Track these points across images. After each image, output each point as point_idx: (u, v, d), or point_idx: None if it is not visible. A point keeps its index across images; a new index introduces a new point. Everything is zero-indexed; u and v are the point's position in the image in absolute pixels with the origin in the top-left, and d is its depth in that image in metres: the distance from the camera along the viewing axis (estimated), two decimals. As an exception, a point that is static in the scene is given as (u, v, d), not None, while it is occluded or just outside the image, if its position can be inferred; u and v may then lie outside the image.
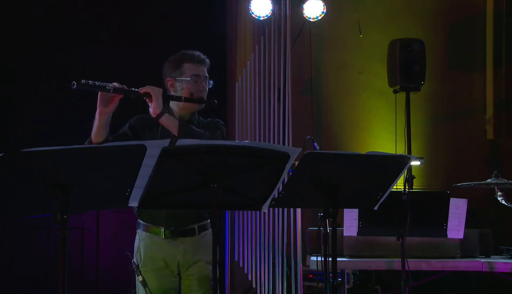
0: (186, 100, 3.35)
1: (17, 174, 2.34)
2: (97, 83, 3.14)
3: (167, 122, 3.22)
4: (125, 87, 3.21)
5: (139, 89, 3.24)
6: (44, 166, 2.36)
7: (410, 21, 6.66)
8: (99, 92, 3.16)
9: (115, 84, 3.17)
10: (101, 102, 3.18)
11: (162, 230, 3.29)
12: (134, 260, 3.34)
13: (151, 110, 3.23)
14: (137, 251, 3.36)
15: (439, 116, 6.73)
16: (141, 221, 3.36)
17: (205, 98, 3.40)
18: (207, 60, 3.44)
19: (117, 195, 2.62)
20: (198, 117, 3.47)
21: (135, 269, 3.29)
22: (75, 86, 3.09)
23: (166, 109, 3.33)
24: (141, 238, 3.36)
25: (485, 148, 6.66)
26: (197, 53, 3.43)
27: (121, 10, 6.30)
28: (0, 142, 5.69)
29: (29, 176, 2.37)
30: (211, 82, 3.43)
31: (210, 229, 3.40)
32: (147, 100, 3.25)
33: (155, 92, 3.23)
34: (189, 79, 3.35)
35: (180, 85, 3.37)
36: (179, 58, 3.42)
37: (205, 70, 3.41)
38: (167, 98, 3.34)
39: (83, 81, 3.10)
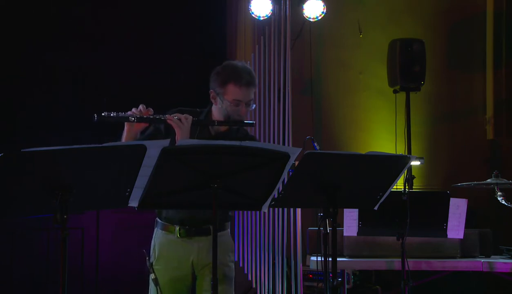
0: (220, 124, 3.27)
1: (17, 174, 2.34)
2: (120, 114, 3.10)
3: None
4: (151, 111, 3.15)
5: (166, 117, 3.17)
6: (44, 166, 2.36)
7: (410, 21, 6.67)
8: None
9: (141, 108, 3.14)
10: (127, 126, 3.17)
11: (177, 228, 3.26)
12: (149, 257, 3.33)
13: (176, 140, 3.16)
14: (153, 249, 3.34)
15: (439, 116, 6.73)
16: (158, 220, 3.34)
17: (244, 120, 3.30)
18: (256, 82, 3.30)
19: (117, 195, 2.62)
20: (239, 129, 3.37)
21: (149, 267, 3.28)
22: (95, 119, 3.07)
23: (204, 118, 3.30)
24: (157, 236, 3.34)
25: (485, 148, 6.67)
26: (247, 74, 3.26)
27: (122, 11, 6.30)
28: (0, 142, 5.69)
29: (29, 176, 2.37)
30: (254, 105, 3.34)
31: (228, 230, 3.38)
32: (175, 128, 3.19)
33: (181, 126, 3.15)
34: (229, 103, 3.25)
35: (220, 103, 3.28)
36: (227, 75, 3.27)
37: (251, 94, 3.27)
38: (199, 123, 3.26)
39: (104, 113, 3.07)
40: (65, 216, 2.42)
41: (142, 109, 3.15)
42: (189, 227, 3.26)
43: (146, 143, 2.48)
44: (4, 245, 6.07)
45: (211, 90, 3.33)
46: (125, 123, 3.17)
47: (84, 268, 6.17)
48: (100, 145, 2.42)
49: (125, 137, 3.19)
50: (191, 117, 3.20)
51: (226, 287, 3.25)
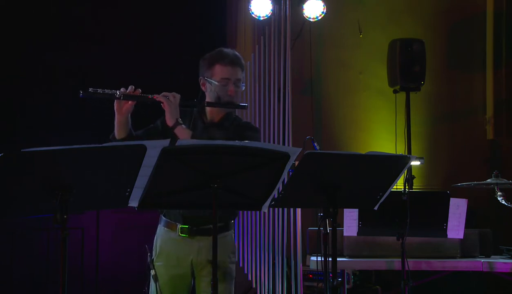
0: (209, 105, 3.31)
1: (17, 174, 2.34)
2: (106, 90, 3.12)
3: (181, 134, 3.17)
4: (139, 91, 3.17)
5: (154, 95, 3.20)
6: (44, 166, 2.36)
7: (410, 21, 6.67)
8: None
9: (130, 89, 3.16)
10: (116, 104, 3.19)
11: (179, 226, 3.26)
12: (151, 253, 3.33)
13: (166, 118, 3.21)
14: (155, 245, 3.35)
15: (439, 116, 6.73)
16: (162, 217, 3.35)
17: (237, 101, 3.34)
18: (242, 61, 3.35)
19: (117, 195, 2.62)
20: (235, 117, 3.40)
21: (150, 263, 3.28)
22: (81, 94, 3.09)
23: (197, 112, 3.32)
24: (159, 233, 3.35)
25: (485, 148, 6.67)
26: (232, 54, 3.34)
27: (122, 11, 6.30)
28: (0, 142, 5.69)
29: (29, 176, 2.37)
30: (243, 85, 3.37)
31: (232, 231, 3.37)
32: (163, 107, 3.21)
33: (169, 102, 3.19)
34: (217, 83, 3.29)
35: (209, 87, 3.33)
36: (213, 57, 3.34)
37: (238, 72, 3.32)
38: (187, 104, 3.29)
39: (90, 89, 3.09)
40: (65, 216, 2.42)
41: (130, 90, 3.17)
42: (191, 226, 3.26)
43: (146, 143, 2.48)
44: (4, 245, 6.07)
45: (200, 78, 3.38)
46: (114, 102, 3.17)
47: (84, 268, 6.17)
48: (100, 145, 2.42)
49: (116, 118, 3.20)
50: (179, 95, 3.24)
51: (225, 287, 3.25)
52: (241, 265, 5.74)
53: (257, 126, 5.79)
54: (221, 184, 2.65)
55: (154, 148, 2.49)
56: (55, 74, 6.22)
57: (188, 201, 2.80)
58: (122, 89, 3.16)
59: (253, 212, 5.68)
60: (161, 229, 3.35)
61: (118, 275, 6.25)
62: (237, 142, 2.66)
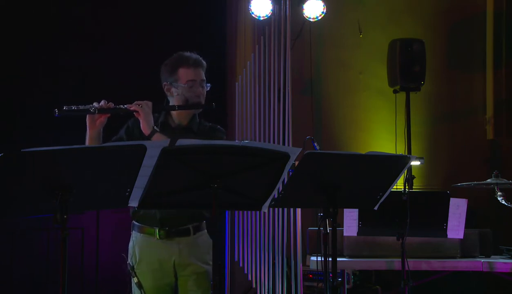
0: (180, 108, 3.34)
1: (17, 174, 2.34)
2: (80, 107, 3.15)
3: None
4: (112, 105, 3.20)
5: (127, 106, 3.23)
6: (44, 166, 2.36)
7: (410, 21, 6.67)
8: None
9: (102, 103, 3.19)
10: (89, 119, 3.21)
11: (157, 230, 3.29)
12: (129, 261, 3.34)
13: (141, 127, 3.23)
14: (132, 253, 3.36)
15: (439, 116, 6.73)
16: (135, 223, 3.36)
17: (203, 102, 3.38)
18: (204, 62, 3.40)
19: (117, 195, 2.62)
20: (199, 121, 3.44)
21: (130, 271, 3.29)
22: (57, 114, 3.12)
23: (163, 117, 3.37)
24: (135, 239, 3.36)
25: (485, 148, 6.66)
26: (193, 56, 3.38)
27: (122, 11, 6.30)
28: (0, 142, 5.68)
29: (29, 176, 2.37)
30: (209, 85, 3.40)
31: (206, 230, 3.40)
32: (137, 116, 3.24)
33: (144, 110, 3.22)
34: (184, 85, 3.33)
35: (175, 91, 3.36)
36: (175, 62, 3.38)
37: (202, 73, 3.38)
38: (159, 109, 3.33)
39: (65, 107, 3.13)
40: (65, 216, 2.42)
41: (103, 104, 3.20)
42: (169, 228, 3.28)
43: (146, 143, 2.48)
44: (4, 245, 6.06)
45: (164, 83, 3.40)
46: (87, 116, 3.20)
47: (84, 268, 6.16)
48: (100, 145, 2.42)
49: (88, 133, 3.22)
50: (151, 102, 3.26)
51: (208, 285, 3.26)
52: (241, 265, 5.74)
53: (257, 126, 5.82)
54: (221, 184, 2.65)
55: (154, 148, 2.49)
56: (55, 74, 6.21)
57: (188, 201, 2.80)
58: (95, 104, 3.19)
59: (253, 212, 5.68)
60: (137, 236, 3.36)
61: (118, 275, 6.22)
62: (237, 142, 2.66)
